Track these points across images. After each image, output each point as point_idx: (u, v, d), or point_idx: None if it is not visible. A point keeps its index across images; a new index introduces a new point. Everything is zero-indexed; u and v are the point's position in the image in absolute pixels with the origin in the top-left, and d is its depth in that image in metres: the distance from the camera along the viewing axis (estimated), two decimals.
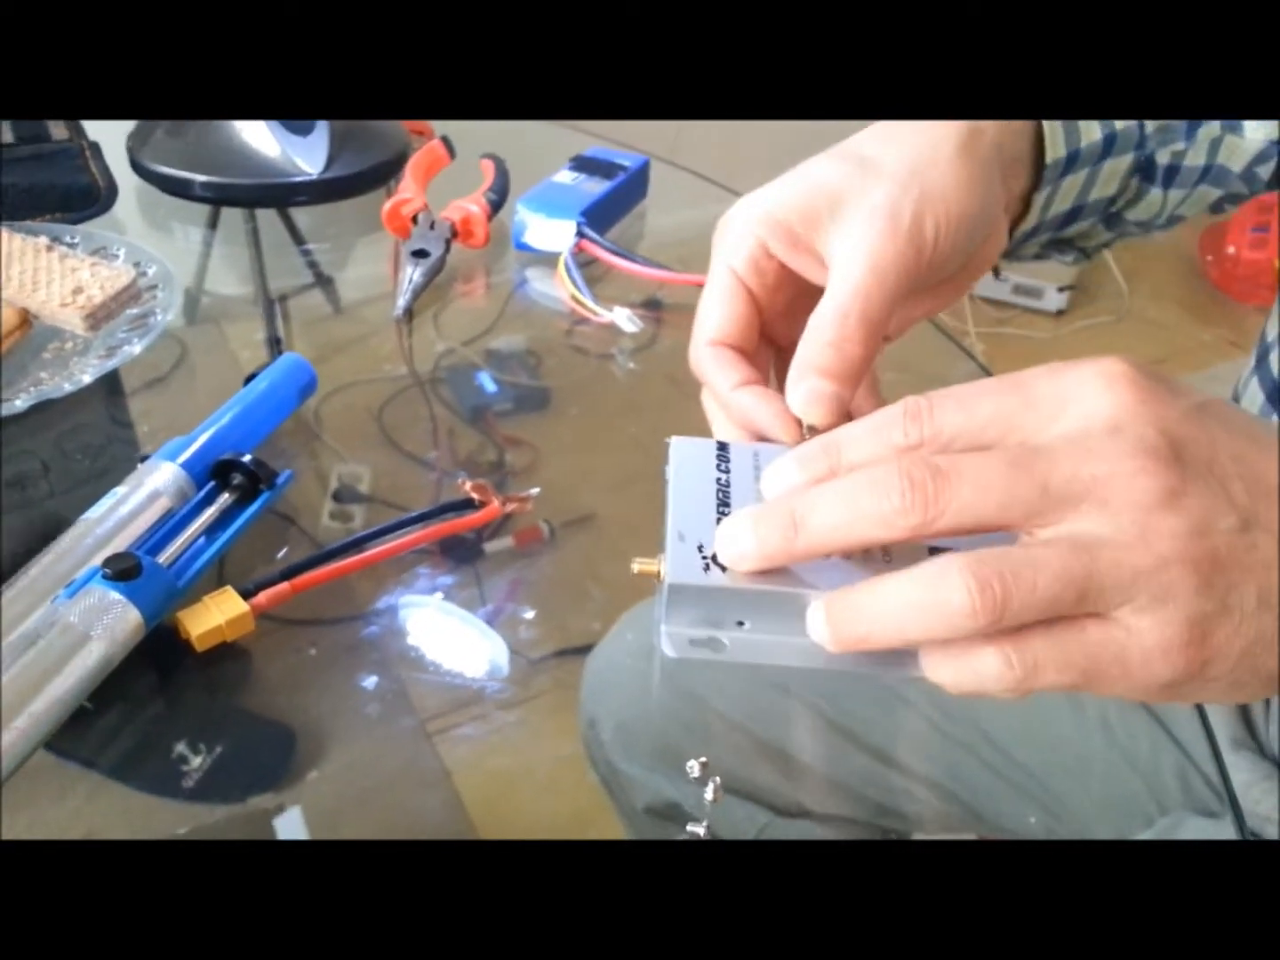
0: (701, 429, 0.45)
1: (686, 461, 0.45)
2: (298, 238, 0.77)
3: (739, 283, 0.37)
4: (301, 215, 0.78)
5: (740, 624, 0.41)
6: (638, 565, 0.42)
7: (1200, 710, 0.46)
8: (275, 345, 0.67)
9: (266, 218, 0.77)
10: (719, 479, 0.44)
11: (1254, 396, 0.55)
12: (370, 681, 0.43)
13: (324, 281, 0.74)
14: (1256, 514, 0.26)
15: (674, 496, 0.43)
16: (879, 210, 0.34)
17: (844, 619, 0.29)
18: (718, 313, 0.37)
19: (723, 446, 0.45)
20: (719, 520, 0.41)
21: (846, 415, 0.35)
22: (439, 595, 0.47)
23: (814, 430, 0.36)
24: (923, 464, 0.27)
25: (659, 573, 0.41)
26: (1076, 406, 0.27)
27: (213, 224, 0.77)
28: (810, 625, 0.30)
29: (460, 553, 0.50)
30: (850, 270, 0.34)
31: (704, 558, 0.40)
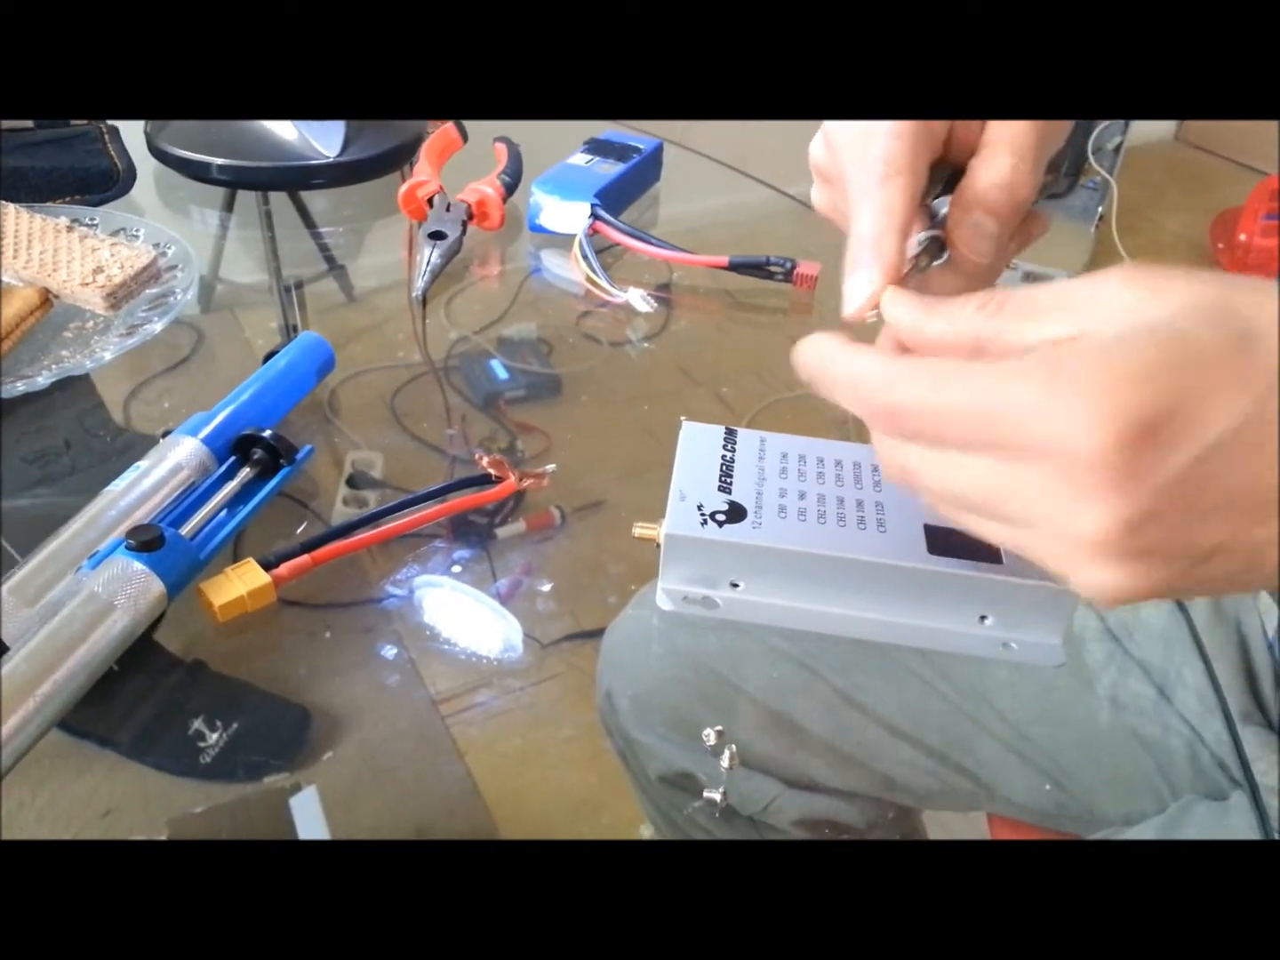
0: (710, 417, 0.46)
1: (695, 440, 0.46)
2: (309, 221, 0.77)
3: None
4: (316, 199, 0.78)
5: (734, 585, 0.42)
6: (638, 530, 0.43)
7: (1215, 687, 0.47)
8: (290, 332, 0.67)
9: (281, 202, 0.78)
10: (724, 456, 0.45)
11: None
12: (384, 662, 0.44)
13: (337, 268, 0.74)
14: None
15: (680, 465, 0.44)
16: None
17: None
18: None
19: (730, 431, 0.46)
20: (719, 488, 0.43)
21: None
22: (452, 578, 0.47)
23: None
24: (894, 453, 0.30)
25: (658, 539, 0.41)
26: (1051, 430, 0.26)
27: (229, 207, 0.77)
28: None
29: (472, 537, 0.50)
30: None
31: (702, 515, 0.41)
